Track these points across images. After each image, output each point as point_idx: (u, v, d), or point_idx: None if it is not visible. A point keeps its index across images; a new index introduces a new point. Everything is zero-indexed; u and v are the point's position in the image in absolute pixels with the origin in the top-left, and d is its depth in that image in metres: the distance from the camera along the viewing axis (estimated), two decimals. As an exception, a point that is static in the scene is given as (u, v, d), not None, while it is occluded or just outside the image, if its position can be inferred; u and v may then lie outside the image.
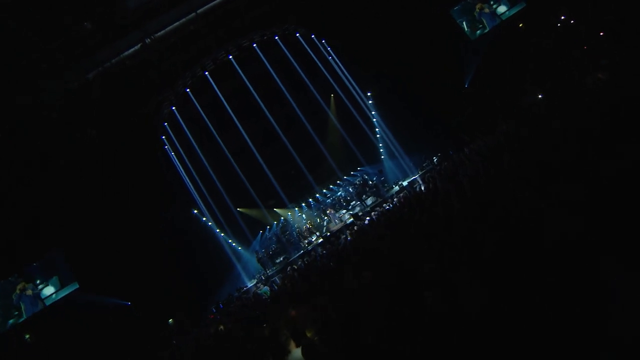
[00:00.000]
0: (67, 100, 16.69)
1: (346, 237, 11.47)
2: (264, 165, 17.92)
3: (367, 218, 12.94)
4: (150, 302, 17.10)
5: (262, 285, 14.04)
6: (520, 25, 19.08)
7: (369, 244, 8.30)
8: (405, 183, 16.00)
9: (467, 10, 18.29)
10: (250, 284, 16.23)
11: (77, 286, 16.10)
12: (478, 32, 18.14)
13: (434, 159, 16.91)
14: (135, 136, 15.81)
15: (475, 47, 18.13)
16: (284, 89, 16.23)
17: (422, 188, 13.32)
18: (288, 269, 13.00)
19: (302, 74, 16.30)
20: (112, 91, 16.21)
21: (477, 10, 18.14)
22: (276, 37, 15.17)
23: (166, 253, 16.94)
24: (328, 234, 15.36)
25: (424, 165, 17.91)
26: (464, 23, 18.23)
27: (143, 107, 15.20)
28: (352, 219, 15.59)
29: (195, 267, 17.33)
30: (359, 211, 15.89)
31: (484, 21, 18.00)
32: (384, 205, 13.43)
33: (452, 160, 13.25)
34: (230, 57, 14.63)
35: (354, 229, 12.32)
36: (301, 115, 16.91)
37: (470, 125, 17.00)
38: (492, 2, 17.62)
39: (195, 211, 18.16)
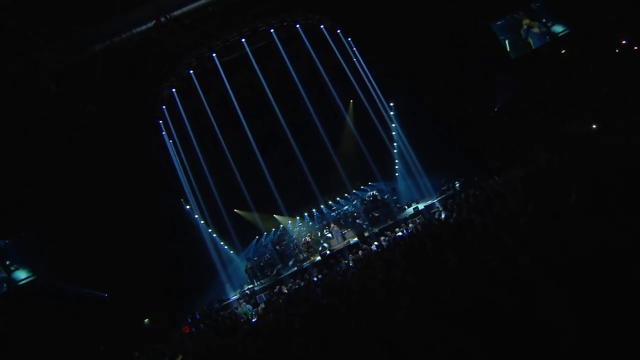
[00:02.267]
0: (68, 71, 15.07)
1: (348, 263, 9.43)
2: (268, 167, 15.95)
3: (375, 243, 10.88)
4: (128, 297, 15.36)
5: (244, 303, 12.01)
6: (563, 51, 17.05)
7: (375, 285, 6.31)
8: (421, 206, 13.92)
9: (511, 26, 16.28)
10: (234, 296, 14.21)
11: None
12: (521, 51, 16.11)
13: (455, 184, 14.79)
14: (132, 117, 14.09)
15: (514, 67, 16.09)
16: (300, 86, 14.31)
17: (443, 216, 11.24)
18: (276, 289, 10.99)
19: (322, 72, 14.37)
20: (116, 67, 14.58)
21: (524, 27, 16.11)
22: (298, 26, 13.38)
23: (150, 246, 15.13)
24: (327, 252, 13.31)
25: (443, 188, 15.81)
26: (507, 40, 16.23)
27: (143, 86, 13.46)
28: (356, 240, 13.57)
29: (179, 265, 15.43)
30: (366, 231, 13.82)
31: (531, 41, 15.96)
32: (396, 229, 11.37)
33: (482, 188, 11.16)
34: (243, 40, 12.84)
35: (358, 254, 10.29)
36: (315, 118, 14.97)
37: (499, 151, 14.95)
38: (544, 20, 15.56)
39: (188, 207, 16.36)
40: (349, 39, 14.67)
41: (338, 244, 14.38)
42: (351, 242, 13.73)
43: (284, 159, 17.78)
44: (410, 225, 11.09)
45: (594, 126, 11.04)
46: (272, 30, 13.06)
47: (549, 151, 11.81)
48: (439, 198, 14.11)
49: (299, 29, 13.45)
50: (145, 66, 14.18)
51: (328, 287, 7.56)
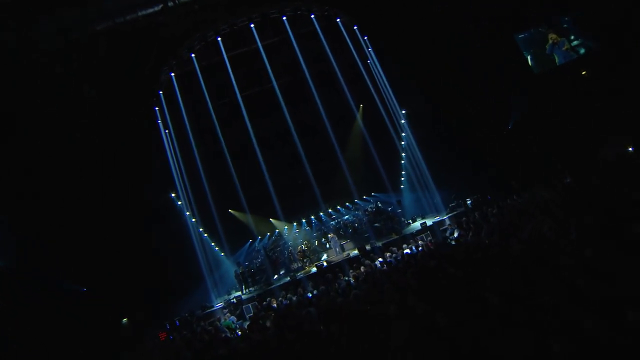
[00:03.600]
0: (68, 49, 13.97)
1: (348, 280, 8.19)
2: (268, 168, 14.73)
3: (380, 259, 9.63)
4: (107, 293, 13.98)
5: (229, 314, 10.70)
6: (584, 72, 16.02)
7: (383, 312, 5.13)
8: (430, 222, 12.69)
9: (536, 40, 15.25)
10: (218, 304, 12.88)
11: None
12: (544, 67, 15.07)
13: (467, 201, 13.60)
14: (128, 101, 12.94)
15: (537, 83, 15.03)
16: (311, 84, 13.14)
17: (456, 234, 10.03)
18: (265, 301, 9.71)
19: (336, 69, 13.20)
20: (117, 49, 13.50)
21: (550, 42, 15.07)
22: (312, 17, 12.30)
23: (134, 240, 13.82)
24: (324, 264, 12.04)
25: (452, 204, 14.61)
26: (530, 55, 15.20)
27: (143, 70, 12.35)
28: (356, 252, 12.31)
29: (164, 263, 14.08)
30: (367, 244, 12.58)
31: (556, 57, 14.92)
32: (403, 245, 10.13)
33: (500, 207, 9.98)
34: (252, 25, 11.74)
35: (359, 270, 9.05)
36: (325, 120, 13.81)
37: (517, 170, 13.80)
38: (572, 37, 14.53)
39: (179, 203, 15.12)
40: (365, 37, 13.58)
41: (336, 256, 13.11)
42: (351, 254, 12.46)
43: (286, 160, 16.65)
44: (419, 242, 9.87)
45: (631, 148, 9.91)
46: (284, 19, 11.98)
47: (576, 175, 10.71)
48: (449, 215, 12.90)
49: (314, 19, 12.38)
50: (148, 50, 13.15)
51: (325, 309, 6.31)
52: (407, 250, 9.54)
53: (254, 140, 13.60)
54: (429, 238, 10.01)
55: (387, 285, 6.06)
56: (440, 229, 12.29)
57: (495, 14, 14.68)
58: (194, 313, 12.45)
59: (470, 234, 8.99)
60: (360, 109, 17.45)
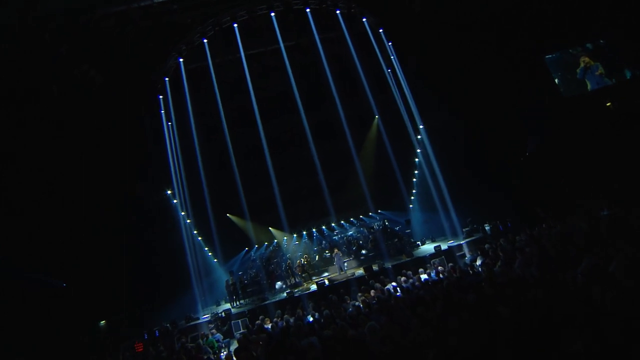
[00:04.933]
0: (74, 30, 12.97)
1: (358, 306, 6.86)
2: (275, 173, 13.45)
3: (393, 284, 8.29)
4: (90, 291, 12.56)
5: (215, 330, 9.29)
6: (608, 104, 14.99)
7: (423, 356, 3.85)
8: (444, 246, 11.38)
9: (566, 63, 14.25)
10: (205, 316, 11.45)
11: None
12: (575, 91, 14.02)
13: (485, 227, 12.32)
14: (130, 86, 11.87)
15: (566, 107, 13.95)
16: (333, 87, 12.01)
17: (479, 262, 8.72)
18: (258, 320, 8.33)
19: (360, 74, 12.08)
20: (126, 33, 12.53)
21: (582, 66, 14.05)
22: (338, 12, 11.30)
23: (122, 236, 12.50)
24: (326, 282, 10.68)
25: (466, 229, 13.33)
26: (558, 78, 14.19)
27: (150, 53, 11.32)
28: (361, 272, 10.97)
29: (152, 265, 12.71)
30: (374, 264, 11.24)
31: (588, 83, 13.89)
32: (420, 270, 8.82)
33: (532, 236, 8.70)
34: (273, 14, 10.72)
35: (370, 294, 7.72)
36: (345, 126, 12.65)
37: (543, 197, 12.57)
38: (608, 62, 13.52)
39: (175, 201, 13.87)
40: (390, 43, 12.58)
41: (339, 274, 11.75)
42: (356, 274, 11.12)
43: (293, 167, 15.46)
44: (438, 268, 8.56)
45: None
46: (307, 10, 10.99)
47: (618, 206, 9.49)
48: (466, 240, 11.59)
49: (339, 14, 11.37)
50: (157, 34, 12.18)
51: (333, 342, 4.98)
52: (425, 276, 8.23)
53: (264, 142, 12.38)
54: (450, 264, 8.72)
55: (415, 320, 4.76)
56: (457, 254, 10.99)
57: (526, 32, 13.76)
58: (177, 323, 11.03)
59: (499, 263, 7.69)
60: (375, 120, 16.38)
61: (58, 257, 12.28)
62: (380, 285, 8.41)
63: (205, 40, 10.99)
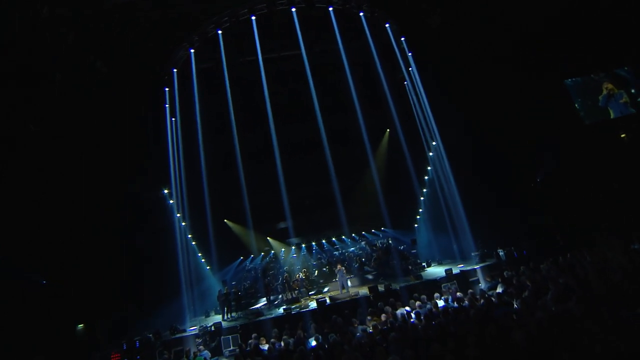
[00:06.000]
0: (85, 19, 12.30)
1: (370, 333, 5.91)
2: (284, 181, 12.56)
3: (406, 309, 7.34)
4: (71, 291, 11.40)
5: (202, 347, 8.23)
6: (623, 135, 14.38)
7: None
8: (456, 270, 10.46)
9: (588, 89, 13.66)
10: (192, 328, 10.36)
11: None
12: (596, 118, 13.39)
13: (499, 252, 11.41)
14: (136, 78, 11.14)
15: (587, 134, 13.30)
16: (354, 93, 11.29)
17: (500, 290, 7.79)
18: (252, 338, 7.32)
19: (382, 79, 11.37)
20: (136, 24, 11.88)
21: (604, 92, 13.44)
22: (361, 14, 10.69)
23: (111, 234, 11.48)
24: (328, 300, 9.68)
25: (476, 253, 12.43)
26: (579, 104, 13.59)
27: (160, 45, 10.63)
28: (366, 292, 9.99)
29: (140, 268, 11.64)
30: (380, 285, 10.27)
31: (611, 111, 13.28)
32: (436, 295, 7.88)
33: (569, 267, 7.79)
34: (294, 9, 10.09)
35: (380, 319, 6.76)
36: (364, 132, 11.88)
37: (563, 223, 11.75)
38: (634, 90, 12.94)
39: (171, 202, 12.95)
40: (410, 54, 11.97)
41: (341, 293, 10.75)
42: (360, 293, 10.13)
43: (298, 176, 14.57)
44: (457, 293, 7.64)
45: None
46: (330, 9, 10.38)
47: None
48: (480, 265, 10.66)
49: (362, 17, 10.76)
50: (168, 28, 11.54)
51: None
52: (441, 303, 7.30)
53: (276, 147, 11.55)
54: (470, 291, 7.81)
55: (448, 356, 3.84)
56: (470, 279, 10.06)
57: (548, 55, 13.24)
58: (160, 334, 9.92)
59: (526, 293, 6.79)
60: (386, 133, 15.69)
61: (38, 252, 11.20)
62: (390, 309, 7.46)
63: (219, 32, 10.31)
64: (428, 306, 6.97)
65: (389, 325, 6.38)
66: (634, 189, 11.96)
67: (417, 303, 7.35)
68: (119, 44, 11.92)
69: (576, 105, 13.75)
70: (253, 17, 10.03)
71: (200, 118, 11.63)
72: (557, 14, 12.14)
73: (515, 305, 6.49)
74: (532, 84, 13.36)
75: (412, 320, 6.73)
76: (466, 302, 7.01)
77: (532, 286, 6.97)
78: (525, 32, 12.92)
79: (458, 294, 7.54)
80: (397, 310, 7.47)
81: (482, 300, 6.66)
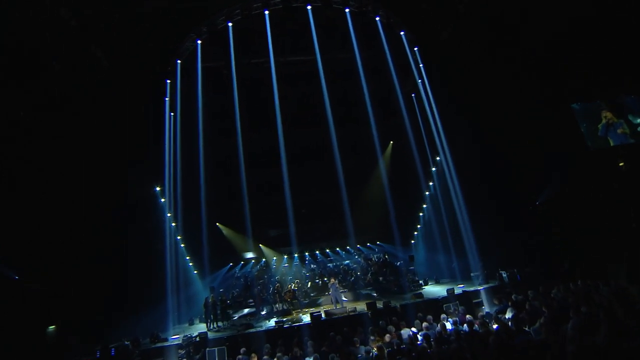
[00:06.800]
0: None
1: (375, 355, 5.27)
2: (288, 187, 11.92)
3: (413, 330, 6.72)
4: (45, 289, 10.39)
5: (185, 359, 7.42)
6: (621, 164, 14.22)
7: None
8: (459, 290, 9.89)
9: (590, 115, 13.53)
10: (174, 337, 9.50)
11: None
12: (599, 145, 13.19)
13: (502, 274, 10.90)
14: (136, 65, 10.48)
15: (591, 160, 13.05)
16: (367, 98, 10.85)
17: (509, 314, 7.23)
18: (240, 357, 6.59)
19: (398, 91, 10.95)
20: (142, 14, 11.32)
21: (604, 122, 13.33)
22: (377, 18, 10.34)
23: (97, 230, 10.61)
24: (323, 315, 8.98)
25: (475, 274, 11.94)
26: (585, 129, 13.40)
27: (166, 35, 10.07)
28: (363, 307, 9.34)
29: (123, 267, 10.73)
30: (378, 302, 9.63)
31: (610, 140, 13.14)
32: (442, 316, 7.28)
33: (587, 296, 7.28)
34: (309, 7, 9.64)
35: (384, 339, 6.11)
36: (376, 141, 11.39)
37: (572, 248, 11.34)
38: (632, 118, 12.81)
39: (162, 200, 12.17)
40: (421, 65, 11.65)
41: (334, 307, 10.05)
42: (357, 309, 9.45)
43: (299, 184, 13.93)
44: (467, 316, 7.05)
45: None
46: (347, 10, 10.00)
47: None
48: (484, 286, 10.11)
49: (378, 22, 10.41)
50: (175, 18, 11.01)
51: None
52: (450, 326, 6.70)
53: (283, 152, 10.98)
54: (480, 314, 7.25)
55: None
56: (473, 301, 9.49)
57: (558, 77, 13.08)
58: (139, 342, 9.06)
59: (542, 320, 6.25)
60: (390, 146, 15.28)
61: (10, 245, 10.22)
62: (393, 329, 6.82)
63: (230, 24, 9.82)
64: (437, 328, 6.35)
65: (395, 347, 5.75)
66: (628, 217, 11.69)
67: (425, 324, 6.73)
68: (122, 32, 11.37)
69: (582, 129, 13.57)
70: (266, 12, 9.61)
71: (202, 115, 11.02)
72: (573, 33, 12.05)
73: (531, 333, 5.94)
74: (541, 106, 13.20)
75: (418, 342, 6.11)
76: (476, 325, 6.42)
77: (549, 313, 6.42)
78: (540, 50, 12.76)
79: (468, 316, 6.95)
80: (400, 330, 6.84)
81: (495, 325, 6.08)
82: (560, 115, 13.30)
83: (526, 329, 6.32)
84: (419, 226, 16.00)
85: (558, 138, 13.23)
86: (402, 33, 10.90)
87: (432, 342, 5.71)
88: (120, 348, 8.64)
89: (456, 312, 7.68)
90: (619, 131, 13.15)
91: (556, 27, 12.42)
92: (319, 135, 13.96)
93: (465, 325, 6.56)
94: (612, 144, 13.19)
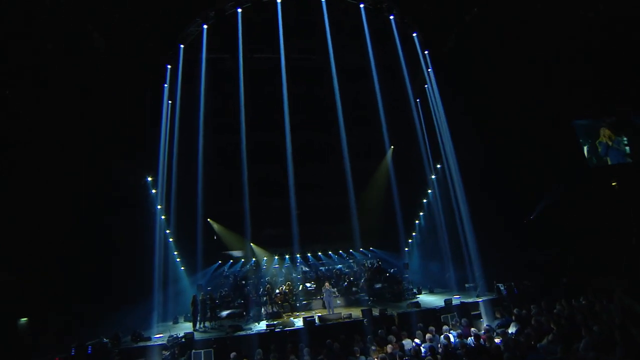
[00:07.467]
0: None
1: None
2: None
3: (417, 341, 6.31)
4: (20, 278, 9.58)
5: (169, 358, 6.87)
6: (614, 183, 14.21)
7: None
8: (457, 301, 9.55)
9: (591, 132, 13.50)
10: (158, 336, 8.90)
11: None
12: (598, 162, 13.15)
13: (499, 287, 10.60)
14: (134, 47, 9.90)
15: (592, 177, 12.97)
16: (379, 100, 10.49)
17: (513, 330, 6.90)
18: (231, 358, 6.09)
19: (409, 92, 10.62)
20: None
21: (603, 139, 13.29)
22: (392, 17, 10.04)
23: (82, 218, 9.91)
24: (317, 321, 8.51)
25: (470, 285, 11.67)
26: (588, 146, 13.34)
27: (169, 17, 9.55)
28: (359, 315, 8.92)
29: (107, 258, 10.03)
30: (375, 309, 9.21)
31: (608, 159, 13.12)
32: (445, 328, 6.90)
33: (593, 315, 6.98)
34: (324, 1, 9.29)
35: (386, 350, 5.69)
36: (387, 145, 11.00)
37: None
38: (629, 138, 12.81)
39: (153, 191, 11.55)
40: (429, 70, 11.37)
41: (330, 313, 9.58)
42: (352, 316, 9.01)
43: (298, 185, 13.40)
44: (472, 329, 6.69)
45: None
46: (361, 6, 9.67)
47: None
48: (483, 299, 9.78)
49: (392, 21, 10.10)
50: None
51: None
52: (454, 339, 6.31)
53: (289, 152, 10.51)
54: (485, 326, 6.91)
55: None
56: (472, 312, 9.14)
57: (562, 94, 12.99)
58: (120, 340, 8.42)
59: (550, 337, 5.93)
60: (390, 150, 14.95)
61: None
62: (394, 338, 6.41)
63: (239, 10, 9.36)
64: (443, 341, 5.96)
65: (398, 359, 5.33)
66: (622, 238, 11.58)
67: (428, 335, 6.33)
68: (122, 12, 10.73)
69: (585, 146, 13.51)
70: (279, 0, 9.20)
71: (203, 105, 10.49)
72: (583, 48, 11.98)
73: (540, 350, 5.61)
74: (545, 122, 13.08)
75: (422, 354, 5.71)
76: (482, 340, 6.05)
77: (558, 330, 6.10)
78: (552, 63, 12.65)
79: (472, 329, 6.59)
80: (402, 340, 6.43)
81: (497, 339, 5.73)
82: (561, 132, 13.24)
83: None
84: (414, 234, 15.67)
85: (559, 154, 13.19)
86: (414, 34, 10.63)
87: (439, 357, 5.30)
88: (98, 346, 7.97)
89: (457, 324, 7.30)
90: (621, 148, 13.17)
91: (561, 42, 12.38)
92: (319, 136, 13.64)
93: (470, 338, 6.19)
94: (609, 162, 13.19)
